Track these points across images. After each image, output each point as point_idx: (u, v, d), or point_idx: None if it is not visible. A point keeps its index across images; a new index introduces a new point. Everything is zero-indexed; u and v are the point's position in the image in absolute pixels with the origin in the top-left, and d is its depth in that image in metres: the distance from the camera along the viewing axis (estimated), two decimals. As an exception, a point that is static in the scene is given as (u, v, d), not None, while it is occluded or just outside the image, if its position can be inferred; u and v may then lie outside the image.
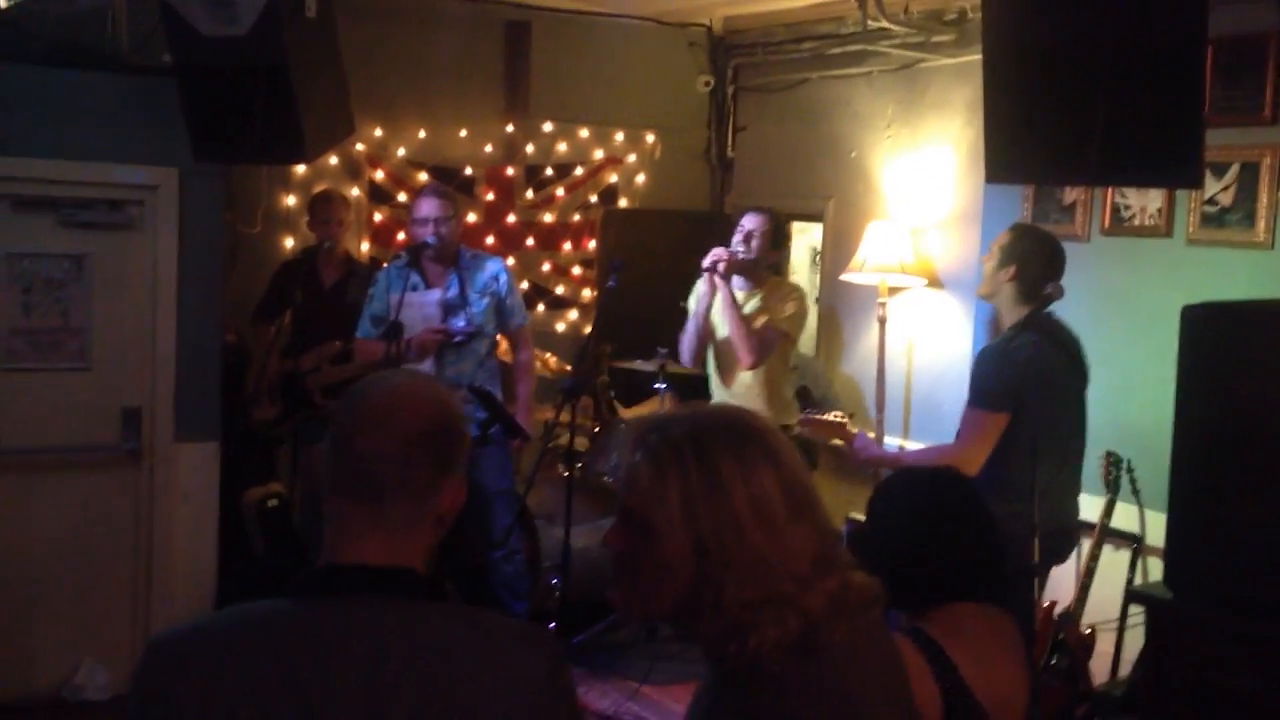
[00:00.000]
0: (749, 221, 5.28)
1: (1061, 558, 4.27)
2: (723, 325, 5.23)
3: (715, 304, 5.24)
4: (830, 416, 4.61)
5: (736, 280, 5.25)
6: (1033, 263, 4.11)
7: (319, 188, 6.17)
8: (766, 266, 5.35)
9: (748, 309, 5.23)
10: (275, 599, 1.64)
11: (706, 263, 5.16)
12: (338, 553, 1.65)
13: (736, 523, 1.59)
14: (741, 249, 5.21)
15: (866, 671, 1.67)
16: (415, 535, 1.67)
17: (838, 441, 4.58)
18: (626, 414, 6.25)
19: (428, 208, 5.08)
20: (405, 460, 1.65)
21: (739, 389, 5.30)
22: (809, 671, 1.60)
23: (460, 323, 5.08)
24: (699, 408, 1.77)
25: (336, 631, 1.57)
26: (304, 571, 1.66)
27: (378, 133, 6.45)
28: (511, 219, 6.88)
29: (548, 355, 6.36)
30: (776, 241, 5.33)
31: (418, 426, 1.66)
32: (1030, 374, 3.98)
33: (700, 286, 5.33)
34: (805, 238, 8.05)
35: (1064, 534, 4.19)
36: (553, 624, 5.24)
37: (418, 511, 1.67)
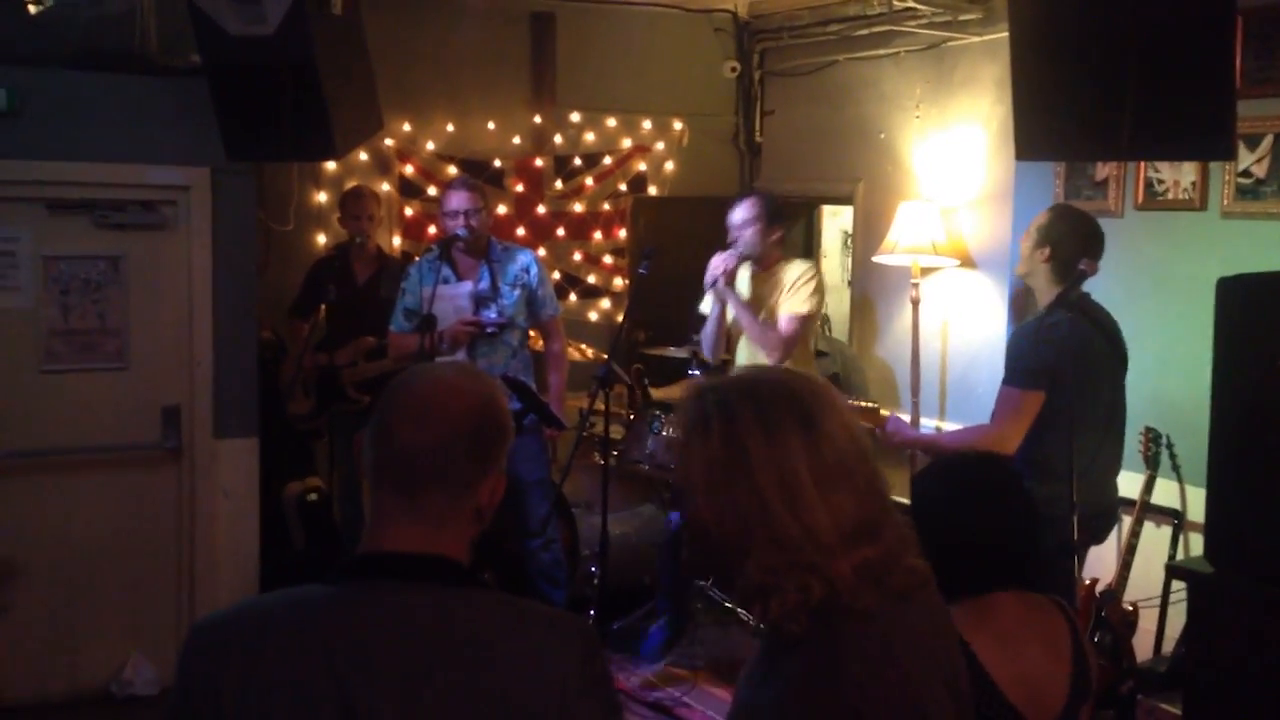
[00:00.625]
0: (737, 213, 5.20)
1: (1099, 539, 4.25)
2: (743, 327, 5.20)
3: (728, 312, 5.23)
4: (860, 403, 4.61)
5: (745, 267, 5.22)
6: (1068, 243, 4.08)
7: (349, 184, 6.20)
8: (773, 245, 5.25)
9: (759, 295, 5.18)
10: (317, 585, 1.66)
11: (708, 281, 5.12)
12: (377, 540, 1.67)
13: (759, 494, 1.61)
14: (741, 246, 5.14)
15: (912, 645, 1.67)
16: (453, 526, 1.69)
17: (868, 425, 4.57)
18: (657, 394, 6.25)
19: (457, 200, 5.10)
20: (445, 453, 1.66)
21: None
22: (840, 637, 1.61)
23: (492, 314, 5.10)
24: (749, 373, 1.77)
25: (373, 616, 1.60)
26: (344, 558, 1.68)
27: (406, 127, 6.48)
28: (541, 210, 6.90)
29: (583, 346, 6.38)
30: (772, 220, 5.21)
31: (460, 421, 1.67)
32: (1065, 352, 3.95)
33: (710, 295, 5.29)
34: (836, 220, 8.04)
35: (1104, 516, 4.18)
36: (591, 611, 5.26)
37: (455, 504, 1.68)
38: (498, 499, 1.74)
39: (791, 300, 5.14)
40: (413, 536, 1.66)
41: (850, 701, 1.57)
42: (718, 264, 5.10)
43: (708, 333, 5.38)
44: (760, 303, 5.19)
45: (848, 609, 1.60)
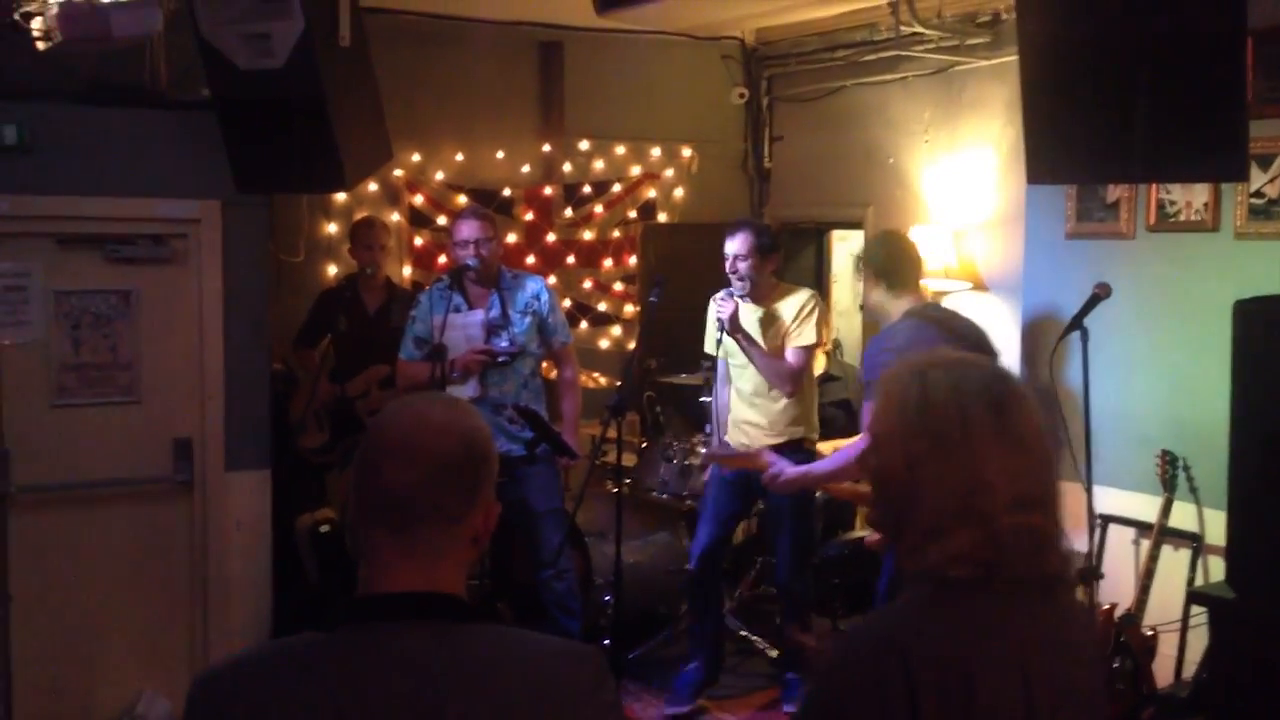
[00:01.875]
0: (730, 246, 5.13)
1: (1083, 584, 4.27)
2: (756, 366, 5.16)
3: (731, 348, 5.19)
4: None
5: (745, 304, 5.16)
6: (885, 260, 4.34)
7: (359, 214, 6.21)
8: (770, 277, 5.19)
9: (760, 327, 5.14)
10: (316, 631, 1.64)
11: (716, 326, 5.11)
12: (375, 583, 1.65)
13: (940, 439, 1.70)
14: (737, 284, 5.10)
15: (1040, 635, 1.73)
16: (451, 559, 1.67)
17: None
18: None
19: (467, 230, 5.09)
20: (435, 490, 1.64)
21: (765, 404, 5.19)
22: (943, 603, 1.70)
23: (503, 343, 5.09)
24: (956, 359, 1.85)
25: (378, 661, 1.57)
26: (344, 603, 1.66)
27: (415, 158, 6.49)
28: (551, 238, 6.90)
29: (595, 374, 6.37)
30: (766, 250, 5.13)
31: (445, 456, 1.65)
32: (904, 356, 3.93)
33: (713, 327, 5.22)
34: (846, 245, 8.03)
35: None
36: (606, 640, 5.23)
37: (451, 537, 1.66)
38: (493, 523, 1.72)
39: (798, 333, 5.12)
40: (409, 576, 1.64)
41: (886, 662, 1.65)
42: (722, 309, 5.04)
43: (720, 402, 5.40)
44: (766, 336, 5.15)
45: (1008, 578, 1.69)
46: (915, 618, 1.71)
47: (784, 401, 5.14)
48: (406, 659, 1.57)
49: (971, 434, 1.70)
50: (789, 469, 4.29)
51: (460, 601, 1.66)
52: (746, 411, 5.24)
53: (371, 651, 1.58)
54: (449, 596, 1.64)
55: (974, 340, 4.18)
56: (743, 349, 5.09)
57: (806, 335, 5.10)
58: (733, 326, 5.03)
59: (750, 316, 5.17)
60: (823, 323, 5.20)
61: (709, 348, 5.35)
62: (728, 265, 5.13)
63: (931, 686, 1.62)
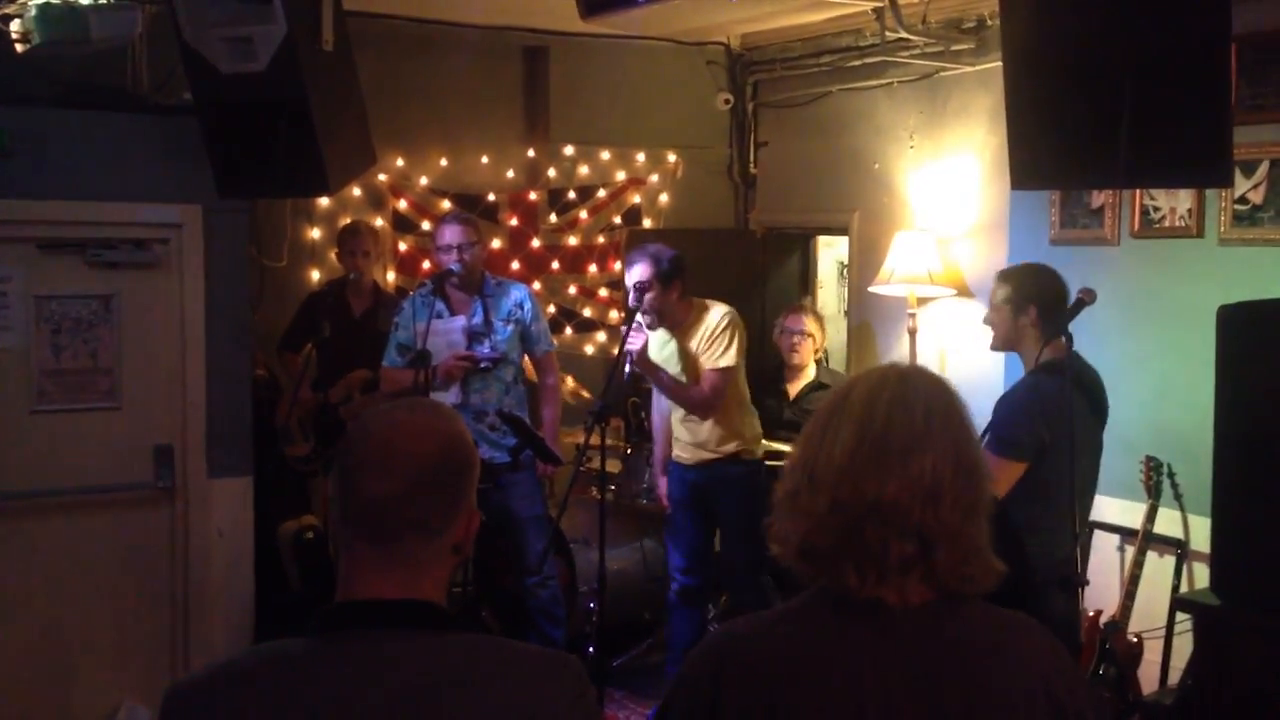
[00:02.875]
0: (630, 277, 4.94)
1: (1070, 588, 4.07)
2: (668, 398, 5.08)
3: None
4: None
5: (658, 333, 5.04)
6: (1050, 297, 3.96)
7: (343, 219, 6.18)
8: (676, 303, 4.98)
9: (679, 357, 5.02)
10: (292, 639, 1.62)
11: (631, 353, 4.84)
12: (353, 590, 1.63)
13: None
14: (643, 317, 4.90)
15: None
16: (431, 568, 1.65)
17: None
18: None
19: (450, 234, 5.07)
20: (414, 500, 1.62)
21: (693, 425, 5.11)
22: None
23: (485, 349, 5.07)
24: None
25: (355, 669, 1.55)
26: (321, 610, 1.63)
27: (399, 162, 6.47)
28: (536, 243, 6.88)
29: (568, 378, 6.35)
30: (667, 277, 4.89)
31: (425, 465, 1.63)
32: (1052, 421, 3.81)
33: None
34: (831, 251, 8.02)
35: (1067, 563, 4.02)
36: (590, 648, 5.21)
37: (432, 546, 1.64)
38: (474, 531, 1.70)
39: (709, 354, 4.96)
40: (389, 584, 1.62)
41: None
42: (632, 343, 4.83)
43: (659, 412, 5.37)
44: (685, 365, 5.01)
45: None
46: (755, 623, 1.80)
47: (712, 423, 5.04)
48: (385, 668, 1.55)
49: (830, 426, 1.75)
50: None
51: (440, 610, 1.64)
52: (680, 430, 5.16)
53: (349, 660, 1.56)
54: (428, 605, 1.63)
55: (1096, 393, 3.99)
56: (653, 383, 5.00)
57: (720, 357, 4.93)
58: (641, 361, 4.86)
59: (664, 348, 5.02)
60: (738, 340, 4.98)
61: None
62: (630, 298, 4.94)
63: (734, 691, 1.69)
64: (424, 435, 1.65)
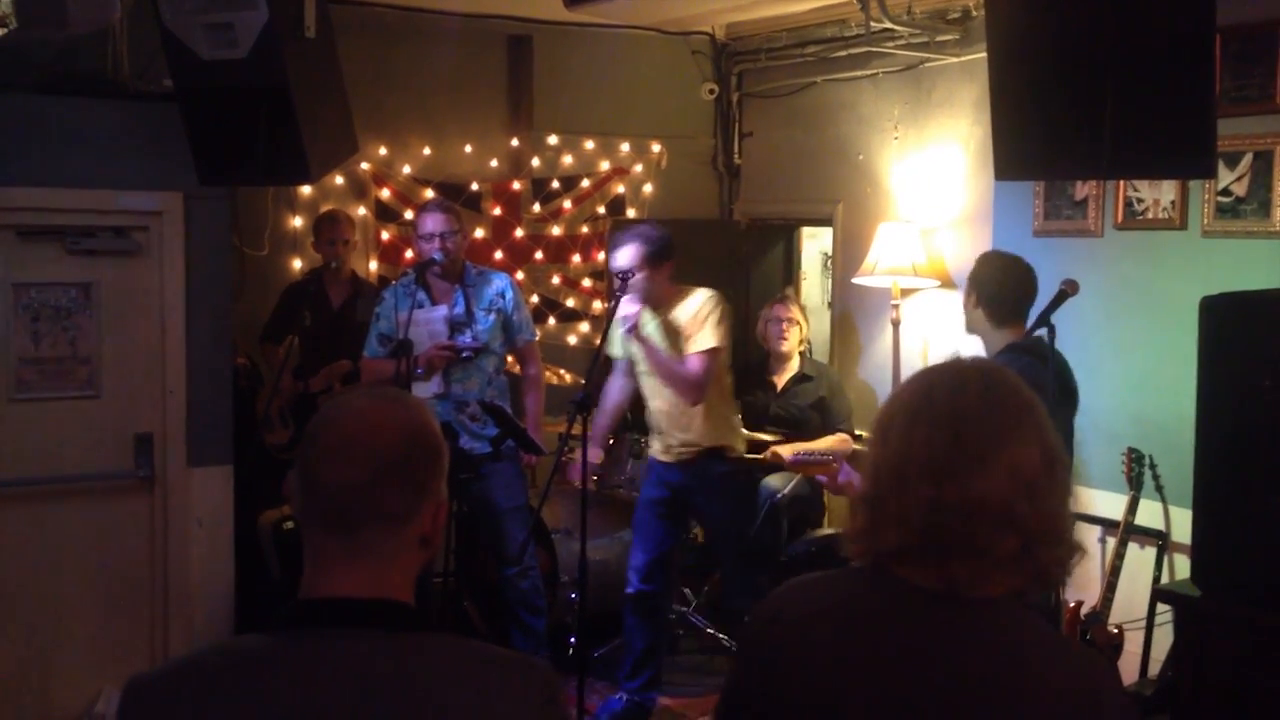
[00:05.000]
0: (617, 260, 4.91)
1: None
2: (658, 374, 4.99)
3: (636, 353, 5.02)
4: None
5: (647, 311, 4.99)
6: (997, 288, 4.11)
7: (325, 208, 6.15)
8: (665, 284, 4.94)
9: (663, 336, 4.96)
10: (256, 635, 1.58)
11: (625, 329, 4.88)
12: (317, 586, 1.59)
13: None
14: (631, 295, 4.85)
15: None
16: (398, 562, 1.61)
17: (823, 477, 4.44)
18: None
19: (432, 223, 5.04)
20: (377, 490, 1.58)
21: (678, 417, 5.04)
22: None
23: (466, 339, 5.05)
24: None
25: (319, 668, 1.52)
26: (285, 606, 1.60)
27: (382, 151, 6.44)
28: (519, 233, 6.86)
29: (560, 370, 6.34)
30: (657, 259, 4.87)
31: (388, 453, 1.59)
32: None
33: (616, 330, 4.97)
34: (815, 242, 8.02)
35: None
36: (572, 638, 5.20)
37: (397, 538, 1.60)
38: (442, 521, 1.66)
39: (697, 337, 4.91)
40: (355, 579, 1.58)
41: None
42: (628, 313, 4.83)
43: (614, 386, 5.29)
44: (671, 341, 4.97)
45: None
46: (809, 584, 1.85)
47: (696, 413, 4.97)
48: (349, 668, 1.52)
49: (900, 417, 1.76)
50: (856, 480, 4.26)
51: (406, 609, 1.60)
52: (662, 422, 5.09)
53: (313, 659, 1.53)
54: (395, 603, 1.59)
55: (1064, 375, 4.08)
56: (645, 354, 4.95)
57: (705, 339, 4.88)
58: (637, 331, 4.85)
59: (646, 326, 4.96)
60: (723, 324, 4.93)
61: (612, 350, 5.13)
62: (615, 283, 4.91)
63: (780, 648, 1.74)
64: (387, 423, 1.61)
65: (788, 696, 1.71)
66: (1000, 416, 1.72)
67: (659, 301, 4.98)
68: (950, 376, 1.78)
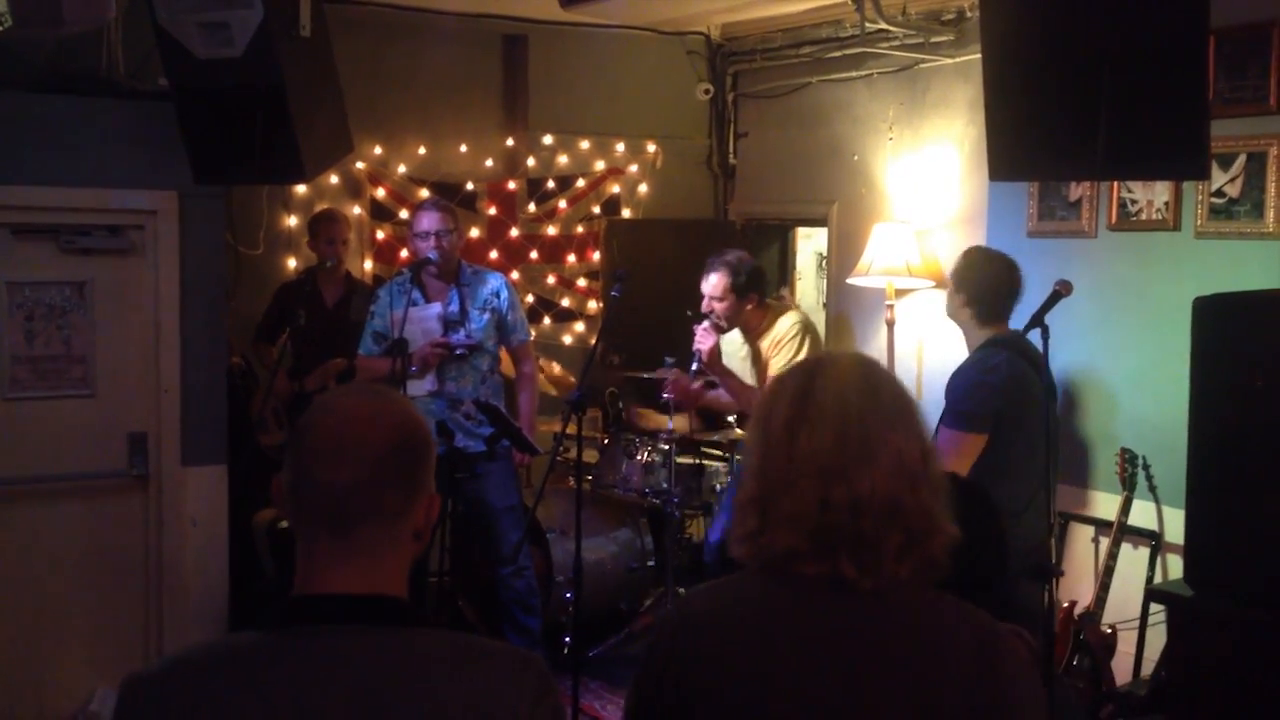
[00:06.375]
0: (705, 286, 5.07)
1: (1044, 577, 4.13)
2: (738, 403, 5.11)
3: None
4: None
5: (731, 336, 5.12)
6: (982, 285, 4.15)
7: (320, 207, 6.15)
8: (751, 313, 5.10)
9: (750, 361, 5.10)
10: (250, 633, 1.59)
11: (700, 351, 5.01)
12: (312, 583, 1.60)
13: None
14: (713, 319, 5.01)
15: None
16: (392, 558, 1.62)
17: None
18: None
19: (428, 221, 5.05)
20: (373, 488, 1.58)
21: None
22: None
23: (460, 337, 5.05)
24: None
25: (315, 665, 1.53)
26: (280, 603, 1.60)
27: (377, 150, 6.44)
28: (514, 233, 6.86)
29: (554, 365, 6.34)
30: (742, 290, 5.03)
31: (380, 449, 1.59)
32: (1005, 392, 3.93)
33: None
34: (810, 242, 8.03)
35: (1041, 551, 4.08)
36: (567, 638, 5.21)
37: (392, 534, 1.61)
38: (435, 516, 1.67)
39: (774, 361, 5.06)
40: (348, 576, 1.58)
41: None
42: (701, 342, 4.99)
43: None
44: (760, 366, 5.12)
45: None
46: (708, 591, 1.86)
47: None
48: (344, 664, 1.53)
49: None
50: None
51: (402, 604, 1.61)
52: None
53: (309, 656, 1.54)
54: (390, 599, 1.60)
55: (1044, 369, 4.12)
56: (721, 384, 5.02)
57: (781, 362, 5.00)
58: (710, 361, 4.97)
59: (737, 350, 5.11)
60: (809, 346, 5.04)
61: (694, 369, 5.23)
62: (704, 305, 5.07)
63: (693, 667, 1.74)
64: (379, 421, 1.61)
65: (706, 703, 1.72)
66: (882, 412, 1.74)
67: (746, 326, 5.12)
68: (830, 373, 1.79)
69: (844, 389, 1.75)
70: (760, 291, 5.13)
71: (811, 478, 1.70)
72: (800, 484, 1.71)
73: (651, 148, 7.20)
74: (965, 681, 1.69)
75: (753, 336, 5.12)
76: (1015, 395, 3.93)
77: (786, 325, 5.09)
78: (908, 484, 1.70)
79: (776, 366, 4.98)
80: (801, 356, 4.96)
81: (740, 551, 1.79)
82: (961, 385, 4.03)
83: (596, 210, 7.11)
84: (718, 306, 5.02)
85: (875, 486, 1.69)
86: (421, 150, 6.57)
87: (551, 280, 7.01)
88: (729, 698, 1.71)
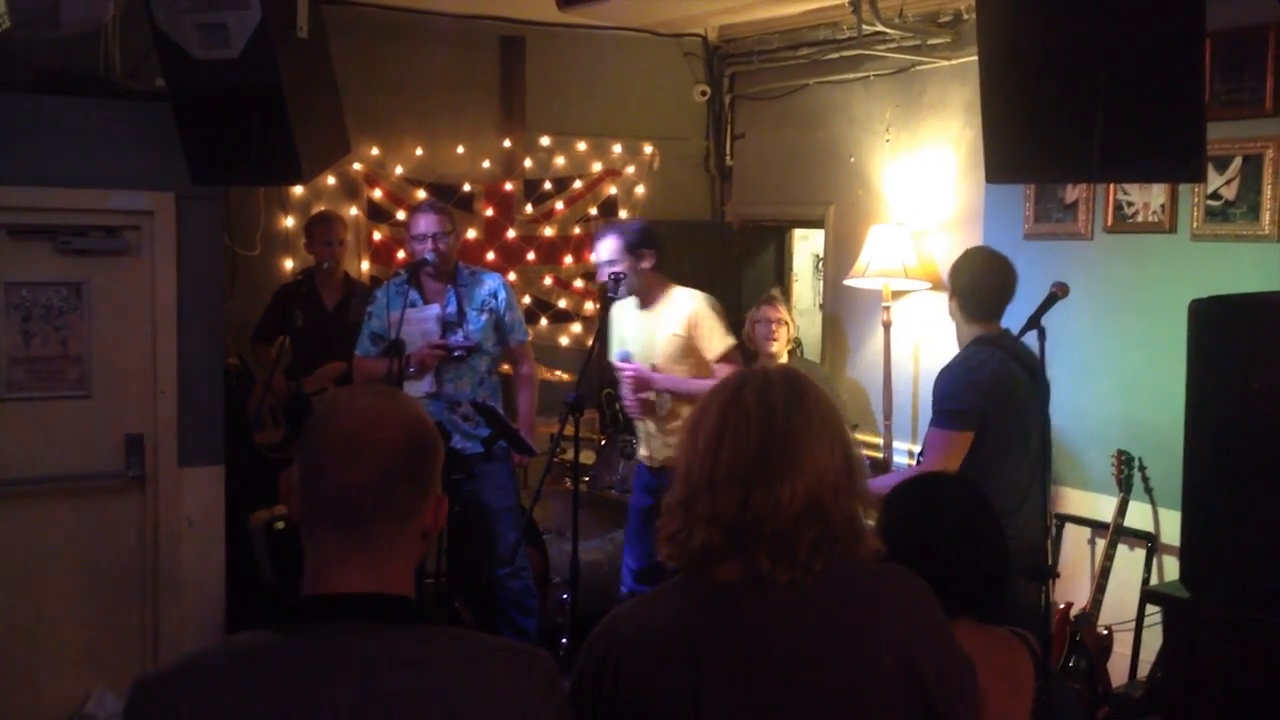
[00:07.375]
0: (596, 256, 5.00)
1: (1040, 576, 4.14)
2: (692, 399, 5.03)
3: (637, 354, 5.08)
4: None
5: (631, 303, 5.05)
6: (971, 284, 4.16)
7: (317, 208, 6.15)
8: (649, 274, 4.99)
9: (648, 330, 5.02)
10: (260, 631, 1.60)
11: (625, 398, 5.02)
12: (321, 582, 1.61)
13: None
14: (616, 289, 4.90)
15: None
16: (400, 557, 1.63)
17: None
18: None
19: (425, 223, 5.05)
20: (385, 487, 1.60)
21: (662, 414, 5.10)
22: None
23: (458, 338, 5.05)
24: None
25: (324, 663, 1.54)
26: (289, 602, 1.62)
27: (375, 151, 6.44)
28: (511, 234, 6.86)
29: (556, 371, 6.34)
30: (635, 248, 4.92)
31: (391, 449, 1.61)
32: (991, 391, 3.94)
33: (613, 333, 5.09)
34: (807, 244, 8.04)
35: (1036, 552, 4.09)
36: (564, 639, 5.20)
37: (401, 533, 1.63)
38: (444, 514, 1.69)
39: (712, 341, 4.96)
40: (358, 575, 1.60)
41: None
42: (626, 397, 5.02)
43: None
44: (650, 338, 5.01)
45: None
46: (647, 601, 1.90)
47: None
48: (355, 662, 1.54)
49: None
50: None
51: (410, 603, 1.62)
52: (651, 426, 5.15)
53: (319, 654, 1.55)
54: (399, 598, 1.61)
55: (1034, 368, 4.07)
56: (673, 386, 4.96)
57: (722, 338, 4.96)
58: (642, 394, 4.96)
59: (642, 323, 5.01)
60: (723, 321, 5.00)
61: (611, 355, 5.18)
62: (599, 275, 4.98)
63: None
64: (390, 421, 1.63)
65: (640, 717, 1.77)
66: (805, 423, 1.80)
67: (644, 293, 5.00)
68: (757, 384, 1.85)
69: (771, 401, 1.81)
70: (654, 248, 4.98)
71: (734, 484, 1.77)
72: (722, 488, 1.77)
73: (648, 149, 7.21)
74: (895, 648, 1.76)
75: (650, 310, 5.02)
76: (1001, 393, 3.94)
77: (699, 302, 4.98)
78: (830, 491, 1.77)
79: (718, 344, 4.93)
80: (728, 328, 4.98)
81: (664, 551, 1.85)
82: (947, 383, 4.04)
83: (593, 211, 7.11)
84: (615, 270, 4.87)
85: (795, 493, 1.75)
86: (418, 151, 6.57)
87: (548, 281, 7.02)
88: (660, 714, 1.75)
